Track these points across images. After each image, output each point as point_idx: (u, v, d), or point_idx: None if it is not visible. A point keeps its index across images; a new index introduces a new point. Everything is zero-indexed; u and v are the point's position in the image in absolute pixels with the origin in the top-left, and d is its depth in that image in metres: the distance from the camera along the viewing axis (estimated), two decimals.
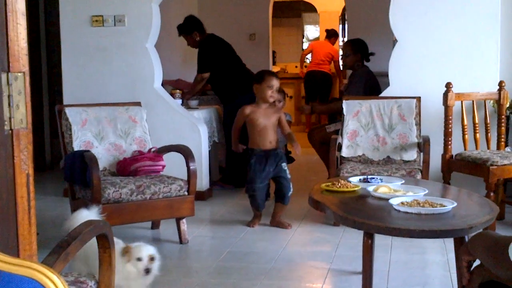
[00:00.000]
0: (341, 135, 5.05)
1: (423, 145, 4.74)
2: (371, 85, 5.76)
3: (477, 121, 4.93)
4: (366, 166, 4.72)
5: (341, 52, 10.79)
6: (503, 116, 4.93)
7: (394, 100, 5.08)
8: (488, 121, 4.97)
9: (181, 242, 4.36)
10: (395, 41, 5.63)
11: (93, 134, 4.59)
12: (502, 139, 4.93)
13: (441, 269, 3.80)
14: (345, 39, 11.52)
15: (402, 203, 2.93)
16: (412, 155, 4.91)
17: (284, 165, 4.77)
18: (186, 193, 4.31)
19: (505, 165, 4.40)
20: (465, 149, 4.86)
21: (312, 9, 13.16)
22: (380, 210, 2.99)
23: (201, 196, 5.49)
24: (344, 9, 11.52)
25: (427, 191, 3.18)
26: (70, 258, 1.86)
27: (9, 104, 1.45)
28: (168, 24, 6.69)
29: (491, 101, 5.13)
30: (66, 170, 4.30)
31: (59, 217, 5.18)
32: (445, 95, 4.78)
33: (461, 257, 2.05)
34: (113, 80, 5.78)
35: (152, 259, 2.95)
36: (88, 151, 4.27)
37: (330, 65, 11.01)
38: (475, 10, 5.24)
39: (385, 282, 3.53)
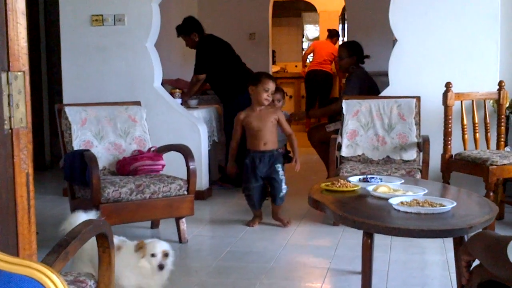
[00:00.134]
0: (341, 134, 5.05)
1: (423, 145, 4.74)
2: (368, 86, 5.75)
3: (476, 121, 4.93)
4: (365, 166, 4.72)
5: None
6: (502, 116, 4.93)
7: (394, 100, 5.08)
8: (488, 121, 4.97)
9: (180, 241, 4.36)
10: (395, 41, 5.63)
11: (92, 134, 4.59)
12: (502, 139, 4.93)
13: (440, 269, 3.80)
14: (345, 39, 11.54)
15: (402, 202, 2.93)
16: (411, 154, 4.91)
17: (278, 166, 4.76)
18: (185, 192, 4.31)
19: (504, 164, 4.40)
20: (464, 149, 4.87)
21: (312, 8, 13.17)
22: (380, 210, 2.99)
23: (200, 196, 5.49)
24: (344, 9, 11.52)
25: (426, 191, 3.18)
26: (70, 257, 1.86)
27: (9, 103, 1.46)
28: (168, 23, 6.69)
29: (491, 101, 5.13)
30: (66, 170, 4.29)
31: (59, 217, 5.17)
32: (445, 94, 4.78)
33: (461, 257, 2.05)
34: (112, 80, 5.78)
35: (166, 255, 2.96)
36: (88, 150, 4.27)
37: (332, 64, 11.02)
38: (475, 10, 5.24)
39: (385, 282, 3.54)
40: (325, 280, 3.64)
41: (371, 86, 5.79)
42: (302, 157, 5.19)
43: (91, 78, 5.83)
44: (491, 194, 4.37)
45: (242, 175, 4.85)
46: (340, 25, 12.70)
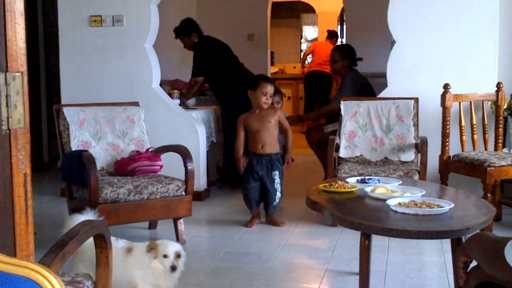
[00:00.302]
0: (339, 135, 5.05)
1: (421, 146, 4.74)
2: (361, 88, 5.74)
3: (474, 122, 4.94)
4: (363, 167, 4.73)
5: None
6: (500, 118, 4.94)
7: (392, 101, 5.09)
8: (486, 122, 4.97)
9: (178, 242, 4.35)
10: (393, 42, 5.63)
11: (91, 134, 4.59)
12: (500, 140, 4.94)
13: (438, 270, 3.80)
14: (344, 40, 11.55)
15: (400, 204, 2.94)
16: (409, 156, 4.91)
17: (275, 173, 4.78)
18: (183, 193, 4.31)
19: (502, 166, 4.41)
20: (462, 150, 4.87)
21: (310, 9, 13.17)
22: (378, 211, 2.99)
23: (198, 196, 5.49)
24: (342, 10, 11.53)
25: (424, 192, 3.19)
26: (67, 258, 1.86)
27: (7, 104, 1.46)
28: (167, 24, 6.69)
29: (489, 102, 5.14)
30: (64, 170, 4.29)
31: (57, 217, 5.19)
32: (443, 96, 4.79)
33: (458, 258, 2.05)
34: (111, 80, 5.78)
35: (178, 256, 2.96)
36: (86, 151, 4.27)
37: None
38: (473, 11, 5.25)
39: (382, 283, 3.54)
40: (323, 281, 3.64)
41: (365, 88, 5.77)
42: (299, 157, 5.21)
43: (89, 78, 5.83)
44: (489, 195, 4.38)
45: (243, 176, 4.86)
46: (339, 26, 12.70)
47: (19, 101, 1.47)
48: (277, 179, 4.78)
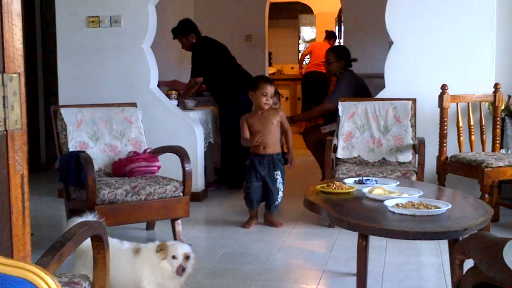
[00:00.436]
0: (337, 136, 5.05)
1: (418, 147, 4.74)
2: (357, 88, 5.74)
3: (472, 123, 4.94)
4: (361, 168, 4.73)
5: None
6: (498, 118, 4.95)
7: (390, 102, 5.09)
8: (483, 123, 4.98)
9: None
10: (391, 43, 5.64)
11: (88, 135, 4.58)
12: (497, 141, 4.94)
13: (435, 271, 3.80)
14: (341, 41, 11.56)
15: (397, 204, 2.94)
16: (407, 156, 4.92)
17: (277, 173, 4.79)
18: (181, 194, 4.31)
19: (500, 167, 4.41)
20: (460, 151, 4.88)
21: (308, 10, 13.18)
22: (375, 212, 3.00)
23: (196, 197, 5.49)
24: (340, 11, 11.54)
25: (422, 193, 3.19)
26: (64, 259, 1.86)
27: (4, 105, 1.45)
28: (164, 25, 6.69)
29: (486, 103, 5.14)
30: (61, 171, 4.29)
31: (54, 218, 5.19)
32: (441, 97, 4.79)
33: (455, 255, 2.05)
34: (109, 81, 5.78)
35: (187, 257, 2.96)
36: (83, 151, 4.27)
37: None
38: (471, 12, 5.25)
39: (380, 284, 3.54)
40: (320, 281, 3.64)
41: (361, 89, 5.77)
42: (297, 158, 5.20)
43: (87, 79, 5.82)
44: (486, 196, 4.38)
45: (241, 176, 4.86)
46: (337, 27, 12.71)
47: (16, 102, 1.47)
48: (279, 179, 4.80)
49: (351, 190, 3.36)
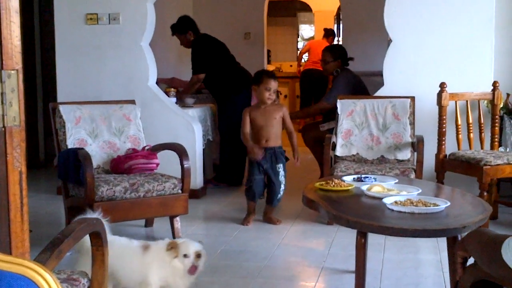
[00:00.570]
0: (336, 134, 5.05)
1: (417, 145, 4.75)
2: (355, 87, 5.73)
3: (471, 121, 4.94)
4: (360, 165, 4.73)
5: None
6: (496, 116, 4.95)
7: (388, 100, 5.09)
8: (482, 121, 4.98)
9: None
10: (389, 41, 5.64)
11: (87, 132, 4.58)
12: (496, 139, 4.94)
13: (434, 268, 3.81)
14: (340, 39, 11.55)
15: (396, 202, 2.94)
16: (406, 154, 4.92)
17: (279, 166, 4.80)
18: (180, 191, 4.31)
19: (498, 165, 4.41)
20: (458, 149, 4.88)
21: (307, 8, 13.18)
22: (374, 209, 3.00)
23: (195, 194, 5.49)
24: (339, 9, 11.53)
25: (420, 191, 3.19)
26: (63, 255, 1.86)
27: (2, 102, 1.45)
28: (163, 22, 6.68)
29: (485, 101, 5.14)
30: (60, 168, 4.29)
31: (53, 215, 5.19)
32: (439, 95, 4.79)
33: (457, 253, 2.05)
34: (107, 78, 5.77)
35: (198, 255, 2.95)
36: (82, 148, 4.26)
37: None
38: (469, 10, 5.25)
39: (378, 281, 3.54)
40: (319, 279, 3.65)
41: (358, 87, 5.76)
42: None
43: (85, 76, 5.82)
44: (485, 194, 4.39)
45: (248, 170, 4.87)
46: (335, 25, 12.70)
47: (14, 99, 1.47)
48: (282, 172, 4.81)
49: (349, 188, 3.36)
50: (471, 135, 4.94)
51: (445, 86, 4.78)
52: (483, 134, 4.97)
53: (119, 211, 4.11)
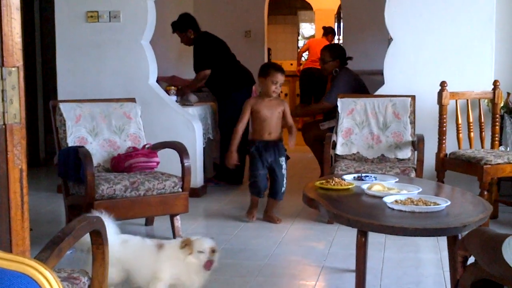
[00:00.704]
0: (336, 133, 5.05)
1: (418, 144, 4.75)
2: (355, 86, 5.72)
3: (471, 120, 4.94)
4: (360, 164, 4.73)
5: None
6: (497, 115, 4.94)
7: (389, 99, 5.09)
8: (482, 120, 4.98)
9: (175, 238, 4.35)
10: (390, 40, 5.63)
11: (87, 130, 4.58)
12: (496, 138, 4.94)
13: (434, 267, 3.81)
14: (341, 38, 11.54)
15: (396, 201, 2.94)
16: (406, 153, 4.91)
17: (282, 159, 4.82)
18: (180, 189, 4.31)
19: (499, 164, 4.41)
20: (459, 148, 4.88)
21: (307, 7, 13.18)
22: (374, 208, 2.99)
23: (195, 193, 5.49)
24: (339, 7, 11.52)
25: (421, 190, 3.19)
26: (63, 254, 1.85)
27: (2, 99, 1.45)
28: (164, 20, 6.68)
29: (486, 100, 5.14)
30: (60, 166, 4.28)
31: (53, 213, 5.19)
32: (440, 94, 4.79)
33: (457, 252, 2.05)
34: (107, 76, 5.77)
35: (213, 251, 2.96)
36: (82, 147, 4.26)
37: None
38: (470, 9, 5.25)
39: (379, 280, 3.54)
40: (319, 278, 3.65)
41: (358, 86, 5.75)
42: (296, 154, 5.21)
43: (86, 74, 5.81)
44: (485, 193, 4.38)
45: (249, 165, 4.87)
46: (336, 24, 12.70)
47: (15, 96, 1.47)
48: (284, 165, 4.82)
49: (350, 187, 3.36)
50: (472, 134, 4.93)
51: (445, 85, 4.77)
52: (483, 133, 4.97)
53: (119, 209, 4.10)
